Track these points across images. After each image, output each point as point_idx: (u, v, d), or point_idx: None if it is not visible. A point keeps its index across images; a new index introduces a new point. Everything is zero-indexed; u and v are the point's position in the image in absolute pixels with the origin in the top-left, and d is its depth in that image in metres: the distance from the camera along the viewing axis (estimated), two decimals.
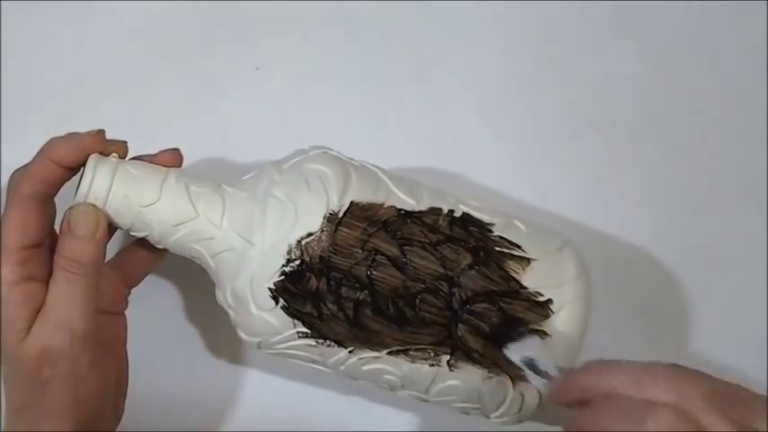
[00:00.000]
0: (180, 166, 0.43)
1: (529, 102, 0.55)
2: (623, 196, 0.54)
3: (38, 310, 0.40)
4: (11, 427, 0.40)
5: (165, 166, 0.42)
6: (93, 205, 0.40)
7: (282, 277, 0.41)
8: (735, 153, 0.55)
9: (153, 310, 0.49)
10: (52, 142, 0.41)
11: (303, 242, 0.40)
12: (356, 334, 0.42)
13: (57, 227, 0.42)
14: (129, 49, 0.53)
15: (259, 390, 0.51)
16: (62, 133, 0.42)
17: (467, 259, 0.42)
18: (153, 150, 0.43)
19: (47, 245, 0.41)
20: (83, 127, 0.45)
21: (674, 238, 0.54)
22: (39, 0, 0.53)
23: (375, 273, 0.41)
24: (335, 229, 0.41)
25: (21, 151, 0.49)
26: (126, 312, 0.46)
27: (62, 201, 0.42)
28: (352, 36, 0.54)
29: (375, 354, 0.42)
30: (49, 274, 0.40)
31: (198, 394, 0.50)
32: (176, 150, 0.43)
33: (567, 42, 0.56)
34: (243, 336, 0.43)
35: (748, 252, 0.54)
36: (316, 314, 0.41)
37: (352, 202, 0.41)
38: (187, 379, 0.50)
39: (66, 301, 0.39)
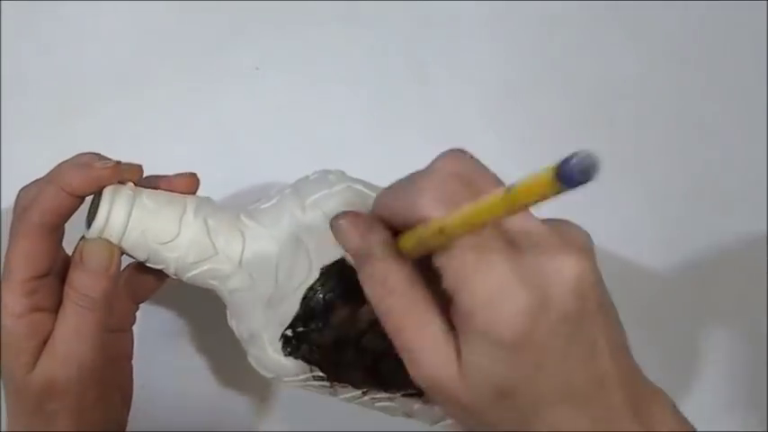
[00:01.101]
0: (196, 191, 0.41)
1: (529, 101, 0.55)
2: (623, 196, 0.54)
3: (45, 341, 0.39)
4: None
5: (181, 192, 0.41)
6: (107, 241, 0.39)
7: (301, 329, 0.39)
8: (735, 153, 0.55)
9: (158, 312, 0.49)
10: (65, 171, 0.39)
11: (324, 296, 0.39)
12: (373, 381, 0.41)
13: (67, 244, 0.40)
14: (128, 49, 0.53)
15: (263, 393, 0.51)
16: (61, 134, 0.42)
17: None
18: (155, 151, 0.43)
19: (56, 272, 0.40)
20: (82, 127, 0.45)
21: (674, 237, 0.54)
22: (39, 0, 0.52)
23: None
24: None
25: (21, 151, 0.49)
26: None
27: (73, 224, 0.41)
28: (353, 36, 0.54)
29: (389, 395, 0.41)
30: (58, 303, 0.39)
31: (202, 397, 0.50)
32: (193, 175, 0.41)
33: (567, 42, 0.56)
34: (253, 364, 0.42)
35: (748, 252, 0.54)
36: (334, 363, 0.40)
37: None
38: (192, 383, 0.50)
39: (75, 334, 0.39)
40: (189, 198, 0.40)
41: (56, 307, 0.39)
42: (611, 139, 0.55)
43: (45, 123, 0.44)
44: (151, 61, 0.53)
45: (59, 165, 0.39)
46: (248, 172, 0.45)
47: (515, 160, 0.54)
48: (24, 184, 0.49)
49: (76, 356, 0.39)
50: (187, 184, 0.41)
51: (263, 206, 0.41)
